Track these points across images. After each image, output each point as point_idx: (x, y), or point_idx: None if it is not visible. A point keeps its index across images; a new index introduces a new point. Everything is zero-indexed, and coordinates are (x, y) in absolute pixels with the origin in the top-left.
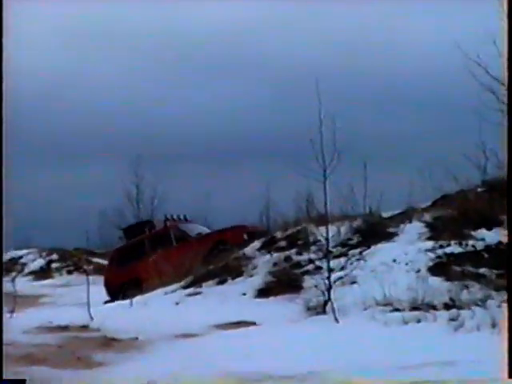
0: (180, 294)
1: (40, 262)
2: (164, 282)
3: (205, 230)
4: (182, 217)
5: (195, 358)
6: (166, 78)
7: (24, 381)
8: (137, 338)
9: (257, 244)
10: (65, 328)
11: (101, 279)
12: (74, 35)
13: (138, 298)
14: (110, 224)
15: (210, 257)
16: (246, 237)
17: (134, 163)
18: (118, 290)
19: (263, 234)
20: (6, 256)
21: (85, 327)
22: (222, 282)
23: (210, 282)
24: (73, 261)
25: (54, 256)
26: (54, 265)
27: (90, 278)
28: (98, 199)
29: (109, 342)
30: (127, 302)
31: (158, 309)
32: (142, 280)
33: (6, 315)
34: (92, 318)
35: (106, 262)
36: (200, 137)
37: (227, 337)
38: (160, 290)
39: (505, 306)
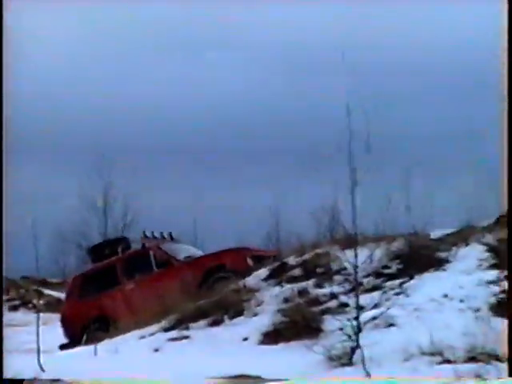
0: (161, 338)
1: None
2: (140, 321)
3: (196, 253)
4: (165, 234)
5: None
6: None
7: (23, 381)
8: None
9: (263, 272)
10: (8, 383)
11: (55, 317)
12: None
13: (105, 343)
14: (69, 244)
15: (201, 288)
16: (250, 262)
17: (99, 164)
18: (79, 332)
19: (272, 260)
20: None
21: (34, 380)
22: (216, 323)
23: (201, 323)
24: (19, 293)
25: None
26: None
27: (41, 315)
28: (52, 212)
29: None
30: (90, 347)
31: (132, 358)
32: (111, 318)
33: None
34: (43, 370)
35: (62, 295)
36: (189, 131)
37: None
38: (134, 333)
39: None
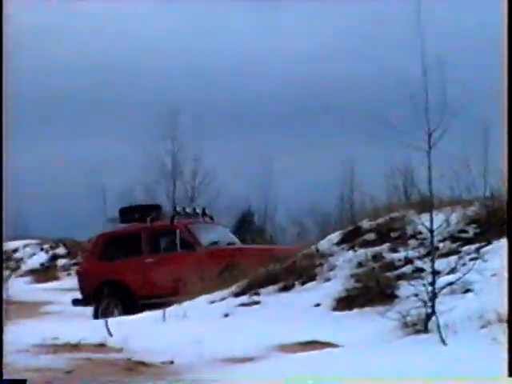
0: (231, 303)
1: (41, 257)
2: (209, 286)
3: (225, 236)
4: (199, 211)
5: None
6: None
7: (25, 381)
8: (172, 362)
9: (336, 236)
10: (75, 347)
11: None
12: None
13: (174, 309)
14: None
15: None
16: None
17: (170, 126)
18: (92, 292)
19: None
20: None
21: (102, 346)
22: (287, 289)
23: (271, 288)
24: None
25: (61, 249)
26: (60, 261)
27: None
28: (120, 176)
29: (134, 367)
30: (159, 312)
31: (201, 323)
32: (125, 286)
33: None
34: (111, 334)
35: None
36: (260, 93)
37: (294, 362)
38: (203, 298)
39: None
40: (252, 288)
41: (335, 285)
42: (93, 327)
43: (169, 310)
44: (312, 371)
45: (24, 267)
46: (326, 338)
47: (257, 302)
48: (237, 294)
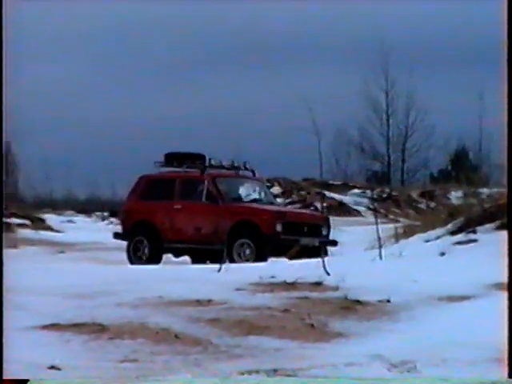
0: (447, 241)
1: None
2: (426, 224)
3: (258, 194)
4: (236, 164)
5: (466, 329)
6: None
7: (26, 381)
8: (388, 301)
9: None
10: (291, 285)
11: (340, 221)
12: None
13: (389, 248)
14: (351, 146)
15: (228, 237)
16: (279, 228)
17: (382, 63)
18: (129, 229)
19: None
20: None
21: (318, 285)
22: (504, 227)
23: (488, 226)
24: (300, 195)
25: (276, 188)
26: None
27: None
28: (331, 112)
29: (351, 306)
30: (375, 251)
31: (417, 261)
32: (158, 228)
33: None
34: (328, 273)
35: (344, 198)
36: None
37: None
38: (418, 237)
39: None
40: (468, 226)
41: None
42: (309, 266)
43: (386, 249)
44: None
45: None
46: None
47: (473, 240)
48: (453, 233)
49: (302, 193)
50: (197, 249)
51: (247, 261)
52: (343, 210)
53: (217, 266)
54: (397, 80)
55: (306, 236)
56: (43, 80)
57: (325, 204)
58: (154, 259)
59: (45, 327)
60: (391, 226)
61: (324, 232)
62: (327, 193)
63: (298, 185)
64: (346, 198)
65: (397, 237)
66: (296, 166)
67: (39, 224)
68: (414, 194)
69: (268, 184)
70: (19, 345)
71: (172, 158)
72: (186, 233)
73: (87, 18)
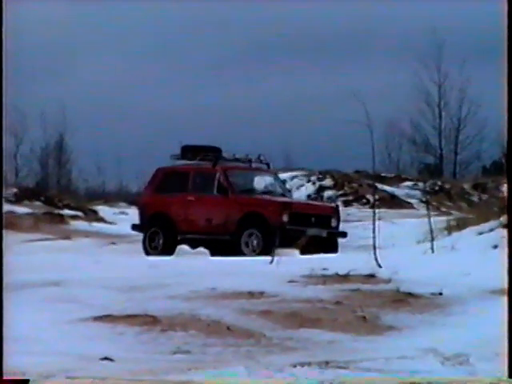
0: (499, 234)
1: (309, 189)
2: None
3: (270, 186)
4: (252, 158)
5: None
6: None
7: (27, 381)
8: (440, 294)
9: None
10: (344, 278)
11: (392, 214)
12: None
13: (442, 240)
14: (403, 139)
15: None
16: (285, 218)
17: (435, 56)
18: (146, 221)
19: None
20: None
21: (371, 277)
22: None
23: None
24: (352, 188)
25: (327, 181)
26: (326, 193)
27: (377, 211)
28: (384, 104)
29: (403, 298)
30: (426, 245)
31: (470, 254)
32: (173, 220)
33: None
34: (380, 266)
35: (396, 190)
36: None
37: None
38: (471, 230)
39: None
40: None
41: None
42: (361, 258)
43: (438, 242)
44: None
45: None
46: None
47: None
48: (506, 226)
49: (354, 185)
50: (208, 239)
51: (254, 251)
52: (395, 202)
53: (269, 258)
54: (449, 73)
55: (313, 227)
56: (98, 73)
57: (377, 196)
58: (168, 250)
59: (96, 319)
60: (443, 218)
61: (333, 223)
62: (379, 185)
63: (350, 177)
64: (398, 191)
65: (449, 229)
66: (348, 158)
67: (92, 216)
68: (467, 187)
69: (320, 176)
70: (71, 337)
71: (187, 151)
72: (199, 224)
73: (144, 13)
